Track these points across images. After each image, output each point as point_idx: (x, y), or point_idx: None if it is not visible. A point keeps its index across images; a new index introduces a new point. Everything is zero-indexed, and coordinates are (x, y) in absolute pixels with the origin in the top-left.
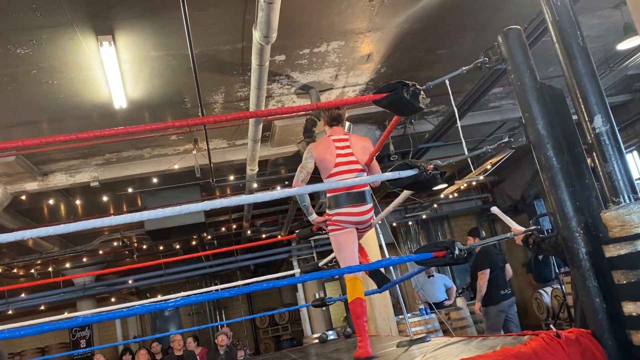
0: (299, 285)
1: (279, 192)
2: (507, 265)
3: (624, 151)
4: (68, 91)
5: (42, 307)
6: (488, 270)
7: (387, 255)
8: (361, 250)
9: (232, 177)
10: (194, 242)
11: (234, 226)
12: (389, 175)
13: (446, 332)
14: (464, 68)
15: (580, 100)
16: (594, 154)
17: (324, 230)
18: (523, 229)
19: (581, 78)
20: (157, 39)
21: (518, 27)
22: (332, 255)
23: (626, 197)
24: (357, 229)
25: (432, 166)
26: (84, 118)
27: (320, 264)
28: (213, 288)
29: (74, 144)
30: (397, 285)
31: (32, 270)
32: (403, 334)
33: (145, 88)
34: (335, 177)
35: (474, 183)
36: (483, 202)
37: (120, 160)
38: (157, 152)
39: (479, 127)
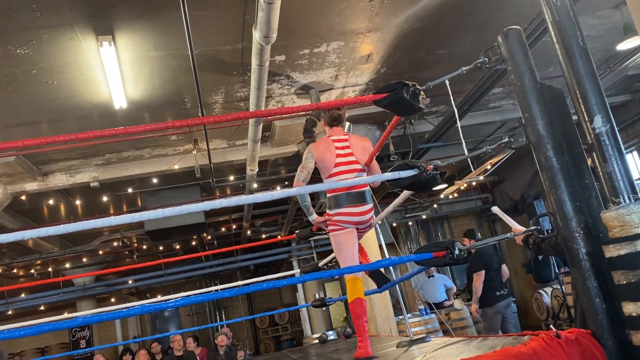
0: (299, 286)
1: (279, 192)
2: (503, 266)
3: (624, 151)
4: (68, 91)
5: (42, 308)
6: (483, 272)
7: (387, 256)
8: (361, 250)
9: (232, 177)
10: (193, 243)
11: (234, 226)
12: (389, 175)
13: (446, 333)
14: (464, 68)
15: (580, 100)
16: (594, 154)
17: (324, 230)
18: (524, 228)
19: (581, 78)
20: (157, 39)
21: (518, 27)
22: (332, 256)
23: (626, 198)
24: (357, 229)
25: (432, 166)
26: (84, 118)
27: (320, 264)
28: (213, 288)
29: (74, 144)
30: (397, 285)
31: (32, 271)
32: (403, 334)
33: (145, 88)
34: (335, 177)
35: (474, 183)
36: (483, 203)
37: (120, 161)
38: (157, 152)
39: (479, 127)
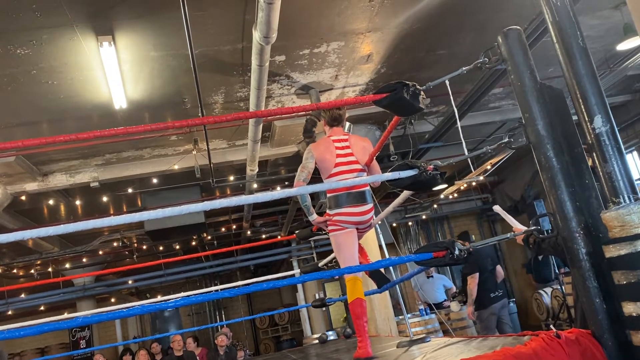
0: (299, 286)
1: (279, 193)
2: (498, 267)
3: (624, 151)
4: (68, 91)
5: (42, 308)
6: (477, 274)
7: (387, 256)
8: (361, 250)
9: (232, 178)
10: (193, 243)
11: (234, 226)
12: (389, 175)
13: (446, 333)
14: (464, 68)
15: (580, 100)
16: (594, 154)
17: (324, 230)
18: (525, 228)
19: (581, 78)
20: (157, 39)
21: (518, 27)
22: (332, 256)
23: (626, 198)
24: (357, 229)
25: (432, 166)
26: (84, 118)
27: (320, 264)
28: (213, 288)
29: (74, 144)
30: (397, 285)
31: (32, 271)
32: (403, 334)
33: (145, 88)
34: (336, 177)
35: (473, 183)
36: (483, 203)
37: (120, 161)
38: (157, 153)
39: (479, 127)
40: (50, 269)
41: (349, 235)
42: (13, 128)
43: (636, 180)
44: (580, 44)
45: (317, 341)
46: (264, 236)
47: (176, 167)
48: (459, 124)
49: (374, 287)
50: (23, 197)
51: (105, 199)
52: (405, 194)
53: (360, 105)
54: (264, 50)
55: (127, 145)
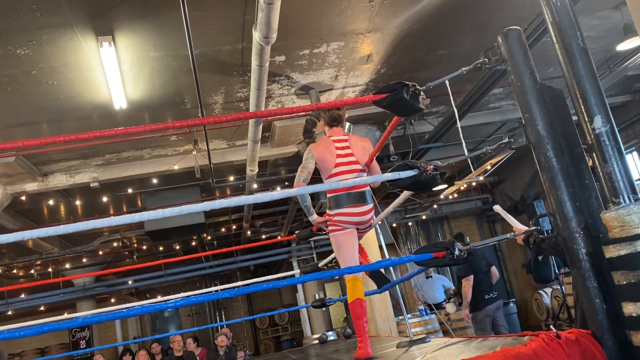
0: (299, 286)
1: (279, 193)
2: (493, 268)
3: (624, 152)
4: (68, 92)
5: (42, 308)
6: (472, 277)
7: (387, 256)
8: (361, 250)
9: (232, 178)
10: (193, 243)
11: (234, 227)
12: (389, 175)
13: (446, 333)
14: (464, 69)
15: (580, 100)
16: (594, 155)
17: (324, 230)
18: (525, 227)
19: (581, 79)
20: (157, 40)
21: (518, 27)
22: (332, 256)
23: (626, 198)
24: (357, 229)
25: (432, 167)
26: (84, 118)
27: (320, 264)
28: (213, 289)
29: (73, 145)
30: (397, 286)
31: (32, 271)
32: (403, 334)
33: (145, 89)
34: (336, 178)
35: (473, 184)
36: (483, 203)
37: (120, 161)
38: (157, 153)
39: (479, 127)
40: (50, 269)
41: (349, 236)
42: (13, 128)
43: (636, 180)
44: (580, 44)
45: (317, 341)
46: (264, 236)
47: (176, 167)
48: (458, 124)
49: (374, 287)
50: (23, 198)
51: (105, 199)
52: (405, 194)
53: (360, 105)
54: (264, 51)
55: (127, 146)
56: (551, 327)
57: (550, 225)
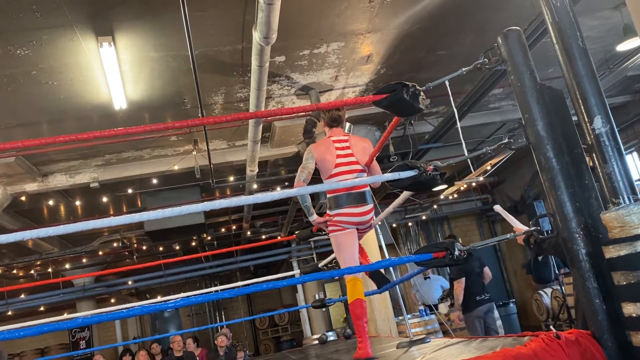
0: (299, 286)
1: (279, 193)
2: (486, 269)
3: (624, 152)
4: (68, 92)
5: (42, 308)
6: (464, 279)
7: (387, 256)
8: (361, 251)
9: (232, 178)
10: (193, 243)
11: (234, 227)
12: (389, 176)
13: (446, 333)
14: (463, 69)
15: (580, 101)
16: (594, 155)
17: (324, 231)
18: (525, 227)
19: (581, 79)
20: (157, 40)
21: (518, 28)
22: (332, 256)
23: (626, 198)
24: (357, 229)
25: (432, 167)
26: (83, 119)
27: (320, 264)
28: (213, 289)
29: (73, 145)
30: (396, 286)
31: (32, 271)
32: (403, 335)
33: (145, 89)
34: (336, 178)
35: (473, 184)
36: (483, 203)
37: (120, 161)
38: (157, 153)
39: (478, 128)
40: (50, 270)
41: (349, 236)
42: (13, 128)
43: (636, 181)
44: (580, 44)
45: (317, 342)
46: (264, 237)
47: (176, 167)
48: (458, 124)
49: (374, 287)
50: (23, 198)
51: (105, 199)
52: (405, 194)
53: (360, 105)
54: (263, 51)
55: (127, 146)
56: (551, 327)
57: (550, 225)
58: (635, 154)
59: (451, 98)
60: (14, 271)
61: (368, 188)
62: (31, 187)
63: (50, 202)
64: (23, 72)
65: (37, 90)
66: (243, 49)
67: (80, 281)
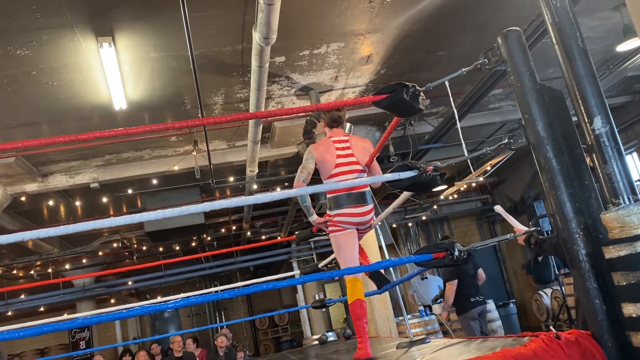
0: (299, 287)
1: (279, 194)
2: (480, 271)
3: (624, 153)
4: (68, 92)
5: (42, 309)
6: (456, 281)
7: (387, 257)
8: (361, 251)
9: (232, 179)
10: (193, 244)
11: (234, 227)
12: (389, 176)
13: (446, 334)
14: (463, 69)
15: (580, 101)
16: (594, 156)
17: (324, 231)
18: (526, 228)
19: (581, 79)
20: (157, 40)
21: (518, 28)
22: (332, 257)
23: (626, 199)
24: (357, 229)
25: (431, 167)
26: (83, 119)
27: (320, 265)
28: (213, 289)
29: (73, 145)
30: (396, 286)
31: (32, 272)
32: (403, 335)
33: (145, 89)
34: (336, 178)
35: (473, 184)
36: (483, 204)
37: (120, 162)
38: (157, 154)
39: (478, 128)
40: (50, 270)
41: (349, 236)
42: (13, 129)
43: (636, 181)
44: (580, 45)
45: (317, 342)
46: (263, 237)
47: (176, 168)
48: (458, 125)
49: (374, 288)
50: (23, 198)
51: (105, 199)
52: (405, 195)
53: (360, 106)
54: (263, 51)
55: (127, 146)
56: (551, 327)
57: (550, 226)
58: (635, 154)
59: (451, 98)
60: (14, 271)
61: (368, 188)
62: (31, 187)
63: (50, 203)
64: (23, 72)
65: (37, 90)
66: (243, 50)
67: (80, 281)
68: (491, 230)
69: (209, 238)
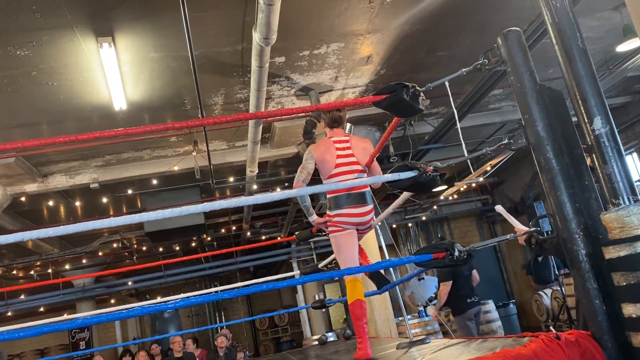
0: (299, 287)
1: (278, 194)
2: (474, 272)
3: (624, 153)
4: (68, 93)
5: (42, 309)
6: (450, 282)
7: (387, 257)
8: (361, 251)
9: (231, 179)
10: (193, 244)
11: (234, 228)
12: (389, 176)
13: (446, 334)
14: (463, 70)
15: (580, 102)
16: (594, 156)
17: (324, 231)
18: (526, 228)
19: (581, 80)
20: (157, 41)
21: (518, 28)
22: (332, 257)
23: (626, 199)
24: (357, 230)
25: (431, 168)
26: (83, 119)
27: (320, 265)
28: (213, 289)
29: (73, 146)
30: (396, 287)
31: (32, 272)
32: (403, 335)
33: (145, 89)
34: (336, 178)
35: (473, 185)
36: (483, 204)
37: (120, 162)
38: (157, 154)
39: (478, 128)
40: (50, 270)
41: (349, 237)
42: (13, 129)
43: (636, 181)
44: (580, 45)
45: (316, 342)
46: (263, 237)
47: (176, 168)
48: (458, 125)
49: (374, 288)
50: (23, 198)
51: (105, 200)
52: (405, 195)
53: (360, 106)
54: (263, 52)
55: (127, 147)
56: (551, 328)
57: (550, 226)
58: (635, 154)
59: (451, 99)
60: (14, 272)
61: (368, 188)
62: (31, 187)
63: (50, 203)
64: (23, 72)
65: (37, 90)
66: (243, 50)
67: (80, 282)
68: (491, 230)
69: (208, 238)
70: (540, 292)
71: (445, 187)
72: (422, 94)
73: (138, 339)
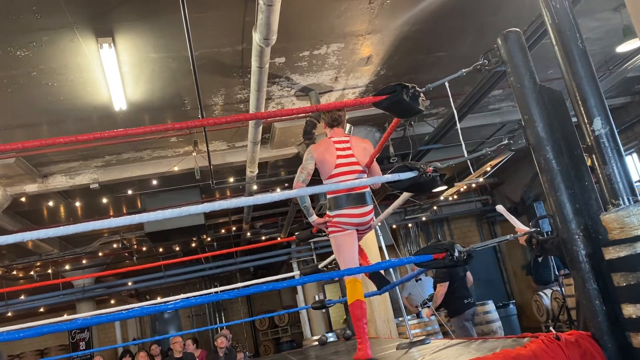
0: (299, 288)
1: (278, 194)
2: (468, 273)
3: (624, 153)
4: (68, 93)
5: (42, 309)
6: (447, 283)
7: (387, 257)
8: (361, 252)
9: (231, 179)
10: (193, 244)
11: (234, 228)
12: (389, 177)
13: (446, 335)
14: (463, 70)
15: (580, 102)
16: (594, 156)
17: (324, 231)
18: (527, 228)
19: (580, 80)
20: (157, 41)
21: (517, 29)
22: (332, 257)
23: (625, 200)
24: (357, 230)
25: (431, 168)
26: (83, 120)
27: (320, 265)
28: (212, 290)
29: (73, 146)
30: (396, 287)
31: (32, 272)
32: (403, 336)
33: (145, 90)
34: (336, 178)
35: (473, 185)
36: (483, 204)
37: (120, 162)
38: (157, 154)
39: (478, 129)
40: (49, 271)
41: (349, 237)
42: (13, 129)
43: (635, 182)
44: (580, 46)
45: (316, 343)
46: (263, 238)
47: (176, 168)
48: (458, 125)
49: (374, 288)
50: (23, 199)
51: (105, 200)
52: (405, 195)
53: (360, 107)
54: (263, 52)
55: (127, 147)
56: (551, 328)
57: (550, 226)
58: (635, 155)
59: (451, 99)
60: (14, 272)
61: (368, 189)
62: (31, 188)
63: (50, 203)
64: (23, 73)
65: (37, 91)
66: (243, 50)
67: (80, 282)
68: (491, 231)
69: (208, 239)
70: (540, 293)
71: (445, 187)
72: (422, 94)
73: (138, 339)
